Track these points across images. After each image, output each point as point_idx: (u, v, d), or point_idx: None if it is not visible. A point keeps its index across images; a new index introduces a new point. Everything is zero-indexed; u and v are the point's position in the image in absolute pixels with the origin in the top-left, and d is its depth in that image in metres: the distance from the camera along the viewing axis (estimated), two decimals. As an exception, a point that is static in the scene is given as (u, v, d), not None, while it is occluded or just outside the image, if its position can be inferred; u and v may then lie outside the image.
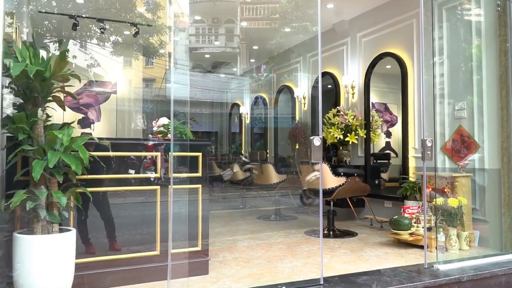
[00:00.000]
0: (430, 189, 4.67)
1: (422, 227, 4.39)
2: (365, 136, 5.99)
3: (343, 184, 4.92)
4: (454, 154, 4.80)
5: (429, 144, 3.61)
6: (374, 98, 6.22)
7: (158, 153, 3.41)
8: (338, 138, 5.97)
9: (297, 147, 7.58)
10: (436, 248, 3.84)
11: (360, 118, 6.04)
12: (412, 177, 5.15)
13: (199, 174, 3.44)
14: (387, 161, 6.26)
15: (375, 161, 6.26)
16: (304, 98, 7.61)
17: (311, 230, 5.35)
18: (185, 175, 3.37)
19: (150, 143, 3.55)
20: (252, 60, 9.20)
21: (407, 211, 4.67)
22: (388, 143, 6.17)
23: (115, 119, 7.85)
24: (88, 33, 8.25)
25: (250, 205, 7.80)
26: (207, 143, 3.85)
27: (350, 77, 6.33)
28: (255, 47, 8.44)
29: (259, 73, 9.62)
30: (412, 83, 5.36)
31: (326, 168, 4.87)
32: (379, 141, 6.12)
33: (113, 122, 7.82)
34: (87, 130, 7.52)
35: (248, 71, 10.18)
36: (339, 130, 5.99)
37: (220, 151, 12.05)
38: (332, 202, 5.17)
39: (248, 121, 10.02)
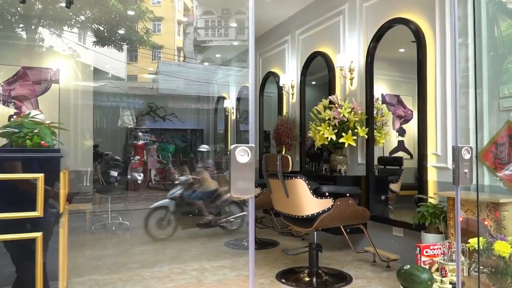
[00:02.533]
0: (461, 218, 3.03)
1: (451, 284, 2.76)
2: (366, 136, 4.35)
3: (328, 209, 3.30)
4: (498, 164, 3.15)
5: (467, 156, 1.98)
6: (384, 89, 4.62)
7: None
8: (329, 139, 4.34)
9: (283, 151, 5.96)
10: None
11: (360, 112, 4.40)
12: (433, 197, 3.50)
13: (37, 213, 1.86)
14: (398, 167, 4.63)
15: (383, 167, 4.64)
16: (292, 87, 5.98)
17: (288, 270, 3.75)
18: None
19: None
20: (236, 43, 7.60)
21: (426, 252, 3.04)
22: (401, 143, 4.53)
23: (57, 116, 6.33)
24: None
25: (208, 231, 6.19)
26: (54, 156, 2.20)
27: (348, 57, 4.69)
28: (234, 25, 6.84)
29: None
30: (433, 66, 3.70)
31: (301, 185, 3.26)
32: (388, 141, 4.49)
33: (56, 119, 6.28)
34: (19, 129, 6.02)
35: (233, 58, 8.58)
36: (331, 128, 4.36)
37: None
38: (316, 232, 3.56)
39: (233, 116, 8.43)
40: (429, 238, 3.30)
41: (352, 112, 4.35)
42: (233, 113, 8.48)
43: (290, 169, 3.26)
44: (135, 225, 5.86)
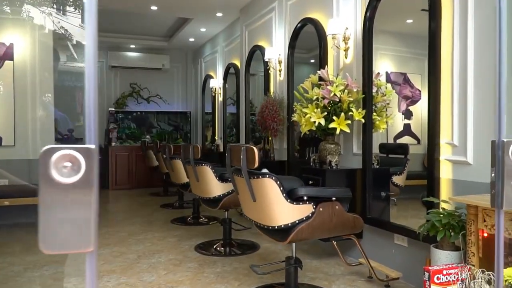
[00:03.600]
0: (485, 234, 2.22)
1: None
2: (363, 120, 3.51)
3: (307, 217, 2.49)
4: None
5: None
6: (389, 67, 3.80)
7: None
8: (317, 124, 3.50)
9: (269, 137, 5.14)
10: None
11: (356, 90, 3.56)
12: (447, 202, 2.66)
13: None
14: (403, 156, 3.83)
15: (385, 155, 3.84)
16: (279, 63, 5.11)
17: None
18: None
19: None
20: (219, 14, 6.69)
21: (438, 279, 2.24)
22: (407, 127, 3.72)
23: (12, 102, 5.52)
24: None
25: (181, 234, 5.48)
26: None
27: (342, 22, 3.82)
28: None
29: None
30: (450, 39, 2.83)
31: (271, 186, 2.44)
32: (391, 126, 3.71)
33: (10, 106, 5.49)
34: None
35: (222, 31, 7.68)
36: (319, 110, 3.51)
37: (190, 138, 9.66)
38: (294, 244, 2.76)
39: (221, 98, 7.59)
40: (442, 256, 2.48)
41: (346, 91, 3.50)
42: (220, 94, 7.63)
43: (256, 165, 2.44)
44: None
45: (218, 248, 4.10)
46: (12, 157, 5.43)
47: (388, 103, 3.69)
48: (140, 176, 8.89)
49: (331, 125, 3.48)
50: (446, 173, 2.80)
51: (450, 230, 2.46)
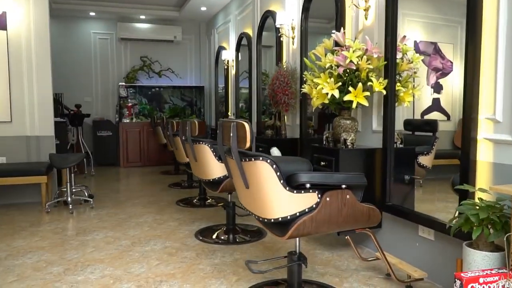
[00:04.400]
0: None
1: None
2: (384, 92, 3.00)
3: (311, 209, 2.04)
4: None
5: None
6: (418, 35, 3.27)
7: None
8: (330, 96, 3.01)
9: (281, 112, 4.65)
10: None
11: (377, 57, 3.03)
12: (486, 191, 2.15)
13: None
14: (431, 133, 3.33)
15: (410, 133, 3.37)
16: (292, 29, 4.58)
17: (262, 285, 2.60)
18: None
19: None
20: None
21: (473, 289, 1.77)
22: (436, 102, 3.23)
23: (7, 75, 5.20)
24: None
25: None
26: None
27: (361, -23, 3.26)
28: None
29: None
30: (495, 2, 2.26)
31: (265, 171, 1.99)
32: (419, 99, 3.24)
33: (5, 79, 5.17)
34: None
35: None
36: (333, 80, 3.01)
37: (204, 114, 9.25)
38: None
39: (233, 71, 7.11)
40: (477, 258, 2.00)
41: (365, 57, 2.98)
42: (233, 66, 7.14)
43: (247, 144, 2.00)
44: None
45: (220, 235, 3.72)
46: (8, 134, 5.13)
47: (415, 72, 3.17)
48: (151, 154, 8.58)
49: (347, 98, 2.97)
50: (485, 155, 2.28)
51: (489, 227, 1.97)
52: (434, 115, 3.29)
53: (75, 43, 8.61)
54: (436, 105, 3.29)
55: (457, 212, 2.14)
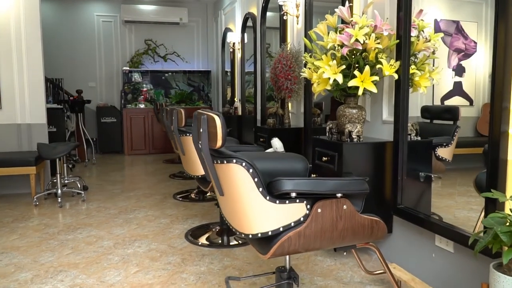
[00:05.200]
0: None
1: None
2: (396, 76, 2.56)
3: (298, 223, 1.64)
4: None
5: None
6: (439, 13, 2.84)
7: None
8: (333, 81, 2.58)
9: (285, 99, 4.23)
10: None
11: (387, 34, 2.58)
12: (519, 200, 1.72)
13: None
14: (452, 122, 2.91)
15: (428, 121, 2.96)
16: (297, 6, 4.12)
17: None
18: None
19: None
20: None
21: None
22: (458, 85, 2.80)
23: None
24: None
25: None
26: None
27: None
28: None
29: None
30: None
31: (240, 176, 1.59)
32: (437, 83, 2.82)
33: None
34: None
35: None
36: (336, 62, 2.57)
37: (211, 100, 8.86)
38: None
39: (239, 54, 6.68)
40: (508, 285, 1.59)
41: (373, 35, 2.53)
42: (239, 49, 6.71)
43: (219, 143, 1.60)
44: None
45: (211, 237, 3.36)
46: (-2, 121, 4.87)
47: (433, 52, 2.72)
48: (156, 141, 8.27)
49: (352, 83, 2.54)
50: (518, 153, 1.85)
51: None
52: (455, 100, 2.87)
53: (78, 26, 8.28)
54: (457, 89, 2.85)
55: (482, 225, 1.72)
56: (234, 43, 6.88)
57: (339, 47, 2.59)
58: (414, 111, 2.77)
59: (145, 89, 8.50)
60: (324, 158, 2.82)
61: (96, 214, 4.07)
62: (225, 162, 1.61)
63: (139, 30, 8.54)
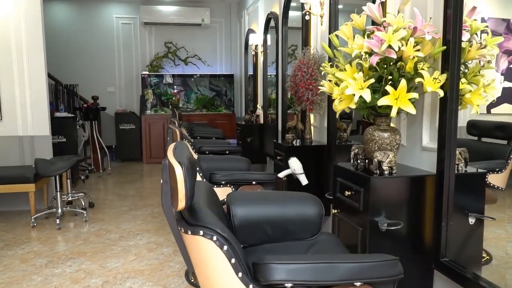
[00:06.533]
0: None
1: None
2: (441, 94, 1.98)
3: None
4: None
5: None
6: (487, 11, 2.26)
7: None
8: (359, 98, 2.02)
9: (306, 112, 3.69)
10: None
11: (431, 38, 2.00)
12: None
13: None
14: (506, 141, 2.33)
15: (476, 139, 2.40)
16: (321, 4, 3.58)
17: None
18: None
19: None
20: None
21: None
22: (508, 91, 2.25)
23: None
24: None
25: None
26: None
27: None
28: None
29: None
30: None
31: (213, 255, 1.08)
32: (487, 97, 2.22)
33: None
34: None
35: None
36: (363, 75, 2.02)
37: (234, 106, 8.39)
38: None
39: (262, 57, 6.18)
40: None
41: (412, 40, 1.96)
42: (261, 52, 6.21)
43: (180, 204, 1.10)
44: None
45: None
46: (-1, 133, 4.56)
47: (489, 61, 2.15)
48: (176, 149, 7.87)
49: (382, 102, 1.98)
50: None
51: None
52: (504, 108, 2.30)
53: (97, 29, 8.00)
54: (508, 96, 2.28)
55: None
56: (256, 45, 6.39)
57: (367, 55, 2.03)
58: (458, 130, 2.21)
59: (175, 91, 8.15)
60: (347, 193, 2.27)
61: (94, 240, 3.66)
62: (189, 232, 1.11)
63: (159, 32, 8.17)
